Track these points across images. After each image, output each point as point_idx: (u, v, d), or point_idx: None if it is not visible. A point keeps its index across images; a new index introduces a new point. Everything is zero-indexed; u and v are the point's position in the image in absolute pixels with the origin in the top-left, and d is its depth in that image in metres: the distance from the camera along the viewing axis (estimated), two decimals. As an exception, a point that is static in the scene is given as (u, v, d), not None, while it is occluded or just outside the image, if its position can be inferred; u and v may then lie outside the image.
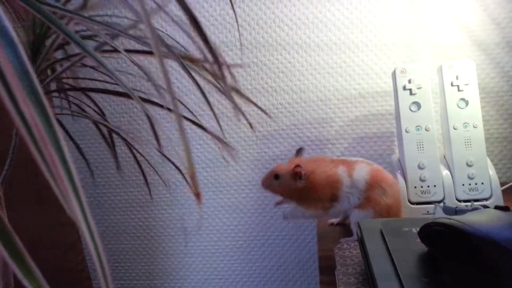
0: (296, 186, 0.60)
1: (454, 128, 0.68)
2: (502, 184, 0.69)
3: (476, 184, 0.67)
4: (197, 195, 0.22)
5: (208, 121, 0.89)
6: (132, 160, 0.78)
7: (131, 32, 0.48)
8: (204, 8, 0.87)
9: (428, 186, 0.67)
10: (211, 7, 0.87)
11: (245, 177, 0.94)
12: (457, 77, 0.68)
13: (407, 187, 0.68)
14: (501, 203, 0.66)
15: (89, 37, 0.61)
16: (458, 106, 0.68)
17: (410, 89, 0.69)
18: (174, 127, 0.93)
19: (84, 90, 0.64)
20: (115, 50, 0.56)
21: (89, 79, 0.75)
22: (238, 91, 0.52)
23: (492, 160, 0.71)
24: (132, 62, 0.47)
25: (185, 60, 0.47)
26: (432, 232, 0.41)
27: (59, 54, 0.65)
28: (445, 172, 0.68)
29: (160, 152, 0.68)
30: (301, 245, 0.97)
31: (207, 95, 0.47)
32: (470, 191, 0.67)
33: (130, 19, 0.52)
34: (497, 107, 0.83)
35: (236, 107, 0.47)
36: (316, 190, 0.59)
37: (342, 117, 0.88)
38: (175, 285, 1.05)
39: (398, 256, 0.42)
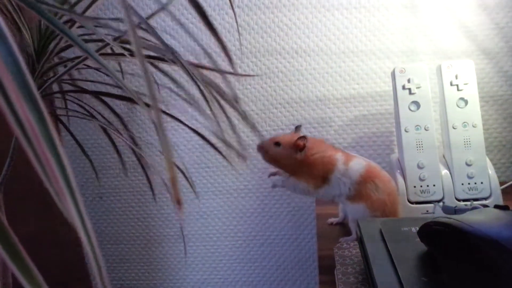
0: (295, 157, 0.61)
1: (454, 128, 0.68)
2: (501, 184, 0.69)
3: (475, 183, 0.67)
4: (178, 201, 0.22)
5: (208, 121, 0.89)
6: (134, 161, 0.78)
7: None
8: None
9: (428, 186, 0.67)
10: (214, 11, 0.87)
11: (244, 177, 0.94)
12: (456, 77, 0.68)
13: (406, 187, 0.68)
14: (500, 202, 0.66)
15: (93, 41, 0.61)
16: (457, 106, 0.68)
17: (409, 89, 0.69)
18: (174, 128, 0.93)
19: (87, 92, 0.64)
20: (119, 54, 0.56)
21: (91, 81, 0.75)
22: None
23: (491, 160, 0.72)
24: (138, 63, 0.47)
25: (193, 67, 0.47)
26: (432, 232, 0.41)
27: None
28: (445, 172, 0.68)
29: (160, 152, 0.67)
30: (300, 244, 0.97)
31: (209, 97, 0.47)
32: (469, 190, 0.67)
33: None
34: (496, 107, 0.83)
35: (244, 117, 0.47)
36: (311, 166, 0.60)
37: (341, 117, 0.88)
38: (174, 285, 1.05)
39: (398, 255, 0.42)
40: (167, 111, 0.63)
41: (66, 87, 0.71)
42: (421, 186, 0.67)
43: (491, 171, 0.67)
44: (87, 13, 0.51)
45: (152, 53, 0.56)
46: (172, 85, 0.88)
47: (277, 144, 0.62)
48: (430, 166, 0.67)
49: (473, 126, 0.68)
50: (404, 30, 0.83)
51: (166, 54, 0.47)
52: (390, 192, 0.60)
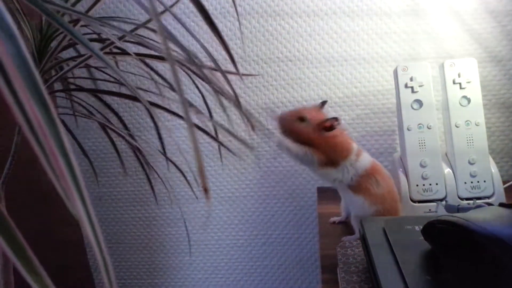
0: (317, 135, 0.59)
1: (456, 126, 0.68)
2: (504, 182, 0.69)
3: (478, 182, 0.67)
4: (205, 190, 0.22)
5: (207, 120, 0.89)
6: (134, 160, 0.78)
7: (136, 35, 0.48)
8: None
9: (430, 184, 0.67)
10: (212, 6, 0.86)
11: (246, 175, 0.94)
12: (459, 75, 0.68)
13: (409, 185, 0.67)
14: (503, 200, 0.66)
15: (97, 40, 0.61)
16: (460, 104, 0.68)
17: (412, 87, 0.68)
18: (175, 126, 0.93)
19: (89, 91, 0.64)
20: (124, 53, 0.56)
21: (95, 79, 0.75)
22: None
23: (494, 158, 0.71)
24: (143, 64, 0.47)
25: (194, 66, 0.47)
26: (436, 230, 0.41)
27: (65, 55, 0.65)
28: (447, 170, 0.68)
29: (161, 153, 0.67)
30: (302, 243, 0.97)
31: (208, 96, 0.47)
32: (472, 189, 0.67)
33: (138, 22, 0.52)
34: (499, 105, 0.83)
35: (248, 120, 0.47)
36: (329, 147, 0.59)
37: (343, 115, 0.88)
38: (176, 284, 1.05)
39: (401, 254, 0.42)
40: (169, 108, 0.62)
41: (65, 86, 0.71)
42: (423, 185, 0.67)
43: (494, 169, 0.67)
44: (91, 13, 0.50)
45: (153, 53, 0.55)
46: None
47: (302, 119, 0.60)
48: (432, 164, 0.67)
49: (476, 125, 0.67)
50: (406, 29, 0.82)
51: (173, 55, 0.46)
52: (390, 190, 0.60)
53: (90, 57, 0.49)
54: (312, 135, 0.59)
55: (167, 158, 0.67)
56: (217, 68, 0.45)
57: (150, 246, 1.03)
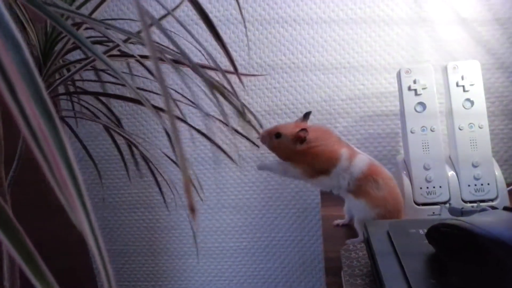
0: (295, 148, 0.60)
1: (460, 129, 0.68)
2: (508, 185, 0.69)
3: (482, 184, 0.67)
4: (192, 210, 0.22)
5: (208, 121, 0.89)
6: (137, 162, 0.78)
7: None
8: (209, 9, 0.87)
9: (434, 187, 0.67)
10: (214, 7, 0.87)
11: (249, 178, 0.94)
12: (462, 78, 0.68)
13: (412, 188, 0.67)
14: (507, 203, 0.66)
15: (100, 42, 0.61)
16: (463, 107, 0.68)
17: (415, 90, 0.68)
18: (178, 128, 0.93)
19: (93, 94, 0.64)
20: (128, 55, 0.57)
21: (95, 81, 0.75)
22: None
23: (497, 161, 0.71)
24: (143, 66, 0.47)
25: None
26: (440, 234, 0.41)
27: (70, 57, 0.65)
28: (451, 173, 0.68)
29: (165, 155, 0.68)
30: (305, 246, 0.97)
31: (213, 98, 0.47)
32: (476, 192, 0.67)
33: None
34: (502, 107, 0.83)
35: (249, 125, 0.47)
36: (312, 157, 0.60)
37: (346, 118, 0.88)
38: (179, 286, 1.05)
39: (406, 257, 0.42)
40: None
41: (70, 88, 0.71)
42: (427, 188, 0.67)
43: (497, 172, 0.67)
44: (95, 15, 0.51)
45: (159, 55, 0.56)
46: (176, 86, 0.88)
47: (278, 135, 0.62)
48: (436, 167, 0.67)
49: (480, 127, 0.67)
50: (410, 30, 0.82)
51: (176, 56, 0.47)
52: (391, 189, 0.60)
53: (94, 60, 0.49)
54: (290, 149, 0.61)
55: (174, 162, 0.68)
56: (219, 69, 0.45)
57: (154, 248, 1.03)
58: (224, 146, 0.68)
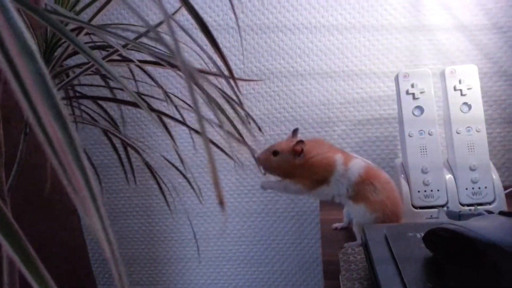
0: (294, 162, 0.61)
1: (457, 133, 0.68)
2: (505, 188, 0.69)
3: (479, 188, 0.67)
4: (222, 203, 0.23)
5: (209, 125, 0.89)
6: (138, 167, 0.79)
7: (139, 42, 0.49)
8: (208, 14, 0.88)
9: (432, 190, 0.67)
10: (214, 12, 0.87)
11: (248, 181, 0.95)
12: (460, 82, 0.68)
13: (410, 191, 0.68)
14: (504, 206, 0.66)
15: (101, 47, 0.62)
16: (461, 111, 0.68)
17: (413, 94, 0.69)
18: (178, 133, 0.93)
19: (92, 98, 0.65)
20: (127, 60, 0.57)
21: (96, 86, 0.75)
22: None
23: (495, 164, 0.72)
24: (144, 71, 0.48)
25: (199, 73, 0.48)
26: (437, 238, 0.41)
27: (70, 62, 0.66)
28: (449, 176, 0.68)
29: (165, 159, 0.68)
30: (304, 249, 0.97)
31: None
32: (473, 195, 0.67)
33: (141, 28, 0.53)
34: (500, 111, 0.84)
35: (250, 133, 0.48)
36: (311, 168, 0.61)
37: (344, 121, 0.88)
38: (178, 290, 1.05)
39: (403, 261, 0.42)
40: (171, 115, 0.63)
41: (70, 93, 0.72)
42: (425, 191, 0.67)
43: (495, 175, 0.67)
44: (95, 21, 0.51)
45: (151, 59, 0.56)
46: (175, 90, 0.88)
47: (275, 153, 0.62)
48: (434, 171, 0.67)
49: (477, 131, 0.68)
50: (407, 35, 0.83)
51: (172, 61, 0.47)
52: (389, 193, 0.60)
53: (93, 65, 0.49)
54: (290, 164, 0.61)
55: (176, 168, 0.68)
56: (220, 73, 0.46)
57: (153, 252, 1.03)
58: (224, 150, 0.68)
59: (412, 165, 0.68)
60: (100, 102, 0.72)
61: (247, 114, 0.51)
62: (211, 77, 0.61)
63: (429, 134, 0.68)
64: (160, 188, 0.68)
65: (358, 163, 0.61)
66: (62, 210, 0.88)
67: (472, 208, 0.66)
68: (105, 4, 0.51)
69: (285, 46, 0.87)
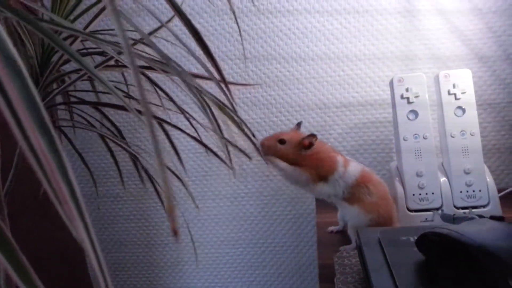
0: (299, 155, 0.62)
1: (452, 136, 0.69)
2: (499, 191, 0.70)
3: (473, 191, 0.68)
4: (175, 232, 0.22)
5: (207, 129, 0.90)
6: (134, 170, 0.79)
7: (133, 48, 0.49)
8: (205, 19, 0.88)
9: (426, 194, 0.68)
10: (211, 18, 0.88)
11: (245, 185, 0.95)
12: (454, 86, 0.69)
13: (405, 195, 0.68)
14: (498, 209, 0.67)
15: (101, 53, 0.62)
16: (455, 114, 0.69)
17: (408, 98, 0.69)
18: (175, 137, 0.94)
19: (89, 103, 0.65)
20: (122, 65, 0.58)
21: (93, 91, 0.76)
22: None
23: (489, 167, 0.72)
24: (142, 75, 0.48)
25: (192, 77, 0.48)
26: (429, 241, 0.42)
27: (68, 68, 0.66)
28: (443, 180, 0.69)
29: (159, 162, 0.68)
30: (300, 252, 0.97)
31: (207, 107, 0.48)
32: (467, 198, 0.68)
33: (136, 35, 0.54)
34: (494, 114, 0.84)
35: (247, 137, 0.48)
36: (316, 163, 0.61)
37: (340, 125, 0.89)
38: (176, 293, 1.05)
39: (396, 264, 0.43)
40: (168, 120, 0.63)
41: (65, 98, 0.72)
42: (420, 194, 0.68)
43: (489, 178, 0.68)
44: (91, 27, 0.52)
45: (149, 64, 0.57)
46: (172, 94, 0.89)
47: (282, 141, 0.63)
48: (428, 174, 0.68)
49: (471, 135, 0.68)
50: (402, 38, 0.83)
51: (167, 67, 0.48)
52: (383, 196, 0.61)
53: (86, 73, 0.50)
54: (295, 155, 0.62)
55: (172, 172, 0.68)
56: (215, 78, 0.46)
57: (150, 255, 1.03)
58: (219, 154, 0.68)
59: (407, 168, 0.69)
60: (95, 107, 0.72)
61: (241, 121, 0.52)
62: (209, 84, 0.61)
63: (423, 137, 0.69)
64: (157, 192, 0.68)
65: (355, 167, 0.62)
66: (59, 215, 0.88)
67: (467, 211, 0.66)
68: (100, 12, 0.51)
69: (281, 51, 0.87)
